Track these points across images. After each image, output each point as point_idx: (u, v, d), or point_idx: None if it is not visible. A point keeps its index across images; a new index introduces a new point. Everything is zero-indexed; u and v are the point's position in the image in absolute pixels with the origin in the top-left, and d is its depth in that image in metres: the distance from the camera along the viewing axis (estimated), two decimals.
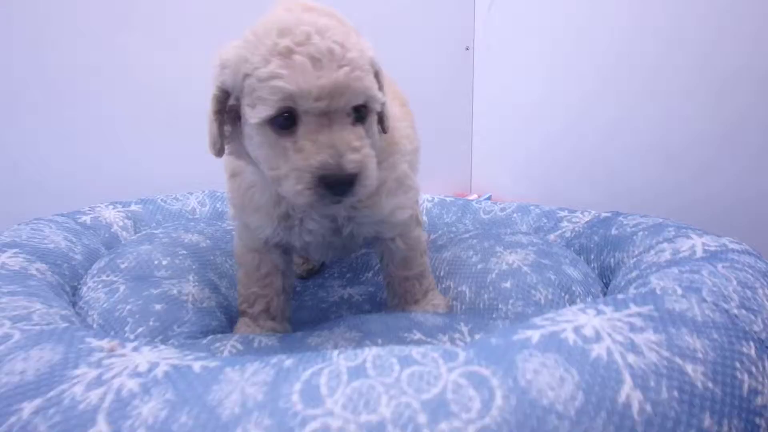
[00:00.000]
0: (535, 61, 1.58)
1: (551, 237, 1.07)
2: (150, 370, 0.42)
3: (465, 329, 0.70)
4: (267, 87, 0.54)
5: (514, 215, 1.19)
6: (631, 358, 0.44)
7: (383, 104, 0.62)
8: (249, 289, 0.75)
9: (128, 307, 0.66)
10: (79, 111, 1.20)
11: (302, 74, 0.53)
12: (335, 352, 0.45)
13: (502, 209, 1.23)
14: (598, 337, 0.46)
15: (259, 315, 0.76)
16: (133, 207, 1.05)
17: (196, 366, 0.42)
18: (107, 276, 0.73)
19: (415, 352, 0.44)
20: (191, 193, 1.19)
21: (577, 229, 1.04)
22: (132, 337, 0.63)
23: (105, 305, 0.67)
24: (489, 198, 1.73)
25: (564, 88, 1.50)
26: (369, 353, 0.44)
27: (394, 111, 0.73)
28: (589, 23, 1.40)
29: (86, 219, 0.93)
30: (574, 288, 0.81)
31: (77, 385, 0.41)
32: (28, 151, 1.16)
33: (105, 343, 0.46)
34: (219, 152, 0.61)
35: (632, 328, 0.48)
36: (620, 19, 1.31)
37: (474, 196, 1.75)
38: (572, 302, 0.80)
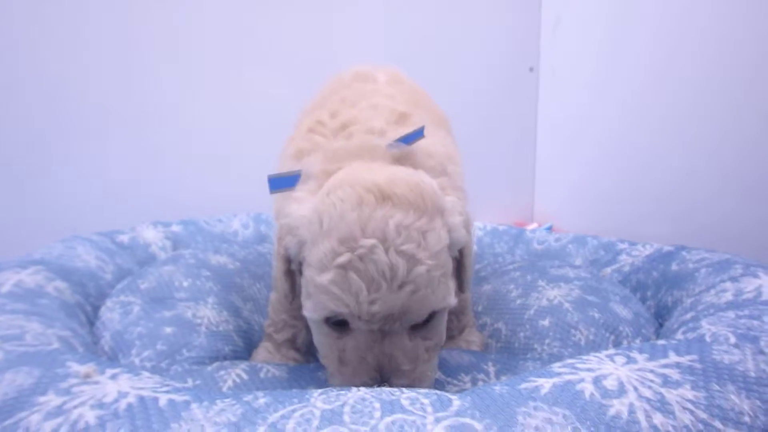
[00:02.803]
0: (603, 84, 1.49)
1: (607, 271, 0.98)
2: (115, 401, 0.40)
3: (492, 370, 0.64)
4: (319, 295, 0.50)
5: (569, 246, 1.11)
6: (658, 419, 0.37)
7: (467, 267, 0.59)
8: (279, 315, 0.73)
9: (138, 329, 0.66)
10: (130, 134, 1.26)
11: (355, 297, 0.47)
12: (316, 393, 0.41)
13: (557, 240, 1.15)
14: (621, 391, 0.39)
15: (283, 343, 0.74)
16: (174, 227, 1.07)
17: (163, 399, 0.40)
18: (126, 296, 0.73)
19: (405, 397, 0.40)
20: (235, 215, 1.20)
21: (636, 263, 0.95)
22: (137, 361, 0.62)
23: (117, 327, 0.68)
24: (550, 228, 1.64)
25: (636, 113, 1.40)
26: (352, 395, 0.40)
27: (451, 153, 0.70)
28: (666, 43, 1.29)
29: (124, 238, 0.96)
30: (621, 328, 0.72)
31: (36, 413, 0.39)
32: (78, 171, 1.22)
33: (83, 368, 0.45)
34: (292, 302, 0.62)
35: (666, 381, 0.40)
36: (706, 37, 1.19)
37: (534, 225, 1.66)
38: (618, 344, 0.71)
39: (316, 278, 0.49)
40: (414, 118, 0.69)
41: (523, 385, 0.41)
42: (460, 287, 0.60)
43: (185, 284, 0.77)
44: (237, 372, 0.60)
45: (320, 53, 1.36)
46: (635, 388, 0.39)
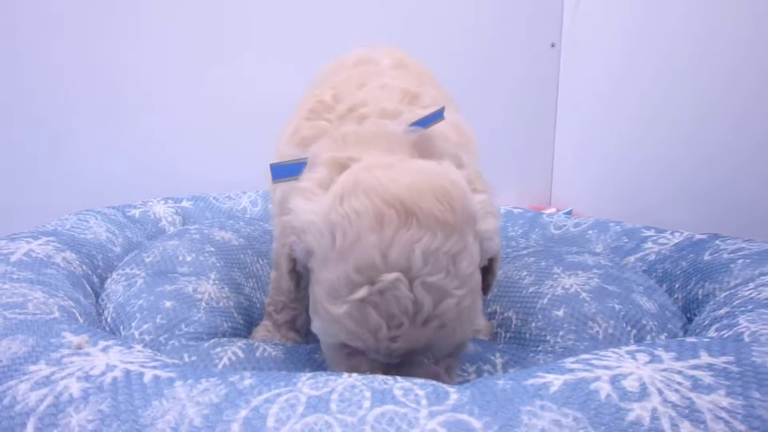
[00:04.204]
0: (630, 62, 1.40)
1: (630, 259, 0.92)
2: (102, 374, 0.38)
3: (499, 362, 0.60)
4: (332, 324, 0.44)
5: (590, 232, 1.04)
6: (686, 428, 0.32)
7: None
8: (278, 296, 0.70)
9: (139, 302, 0.64)
10: (143, 115, 1.23)
11: (373, 335, 0.42)
12: (304, 377, 0.38)
13: (576, 225, 1.08)
14: (643, 394, 0.35)
15: (283, 324, 0.71)
16: (185, 203, 1.06)
17: (149, 375, 0.37)
18: (131, 269, 0.72)
19: (398, 387, 0.36)
20: (244, 192, 1.18)
21: (663, 252, 0.89)
22: (137, 334, 0.60)
23: (120, 299, 0.66)
24: (569, 213, 1.57)
25: (664, 93, 1.31)
26: (342, 382, 0.36)
27: (467, 133, 0.64)
28: (699, 21, 1.20)
29: (135, 212, 0.94)
30: (645, 322, 0.67)
31: (24, 383, 0.38)
32: (92, 151, 1.21)
33: (76, 338, 0.43)
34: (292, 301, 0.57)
35: (696, 385, 0.36)
36: (744, 13, 1.10)
37: (552, 210, 1.60)
38: (641, 339, 0.66)
39: (327, 306, 0.43)
40: (425, 98, 0.64)
41: (530, 381, 0.37)
42: (484, 290, 0.53)
43: (188, 259, 0.75)
44: (233, 350, 0.58)
45: (330, 26, 1.30)
46: (660, 391, 0.35)
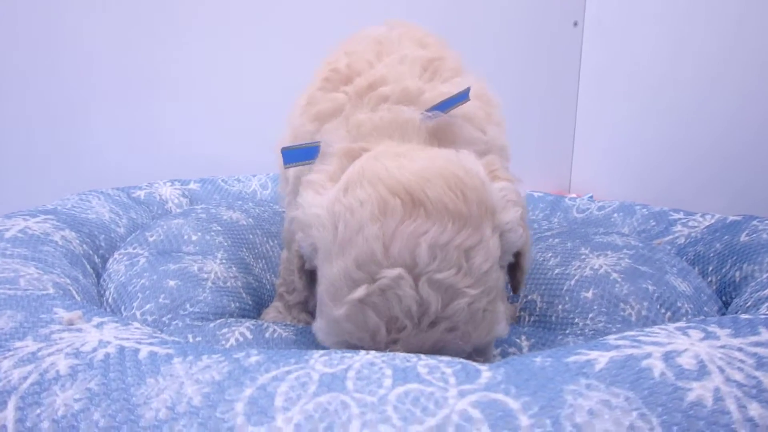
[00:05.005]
0: (652, 40, 1.34)
1: (659, 242, 0.87)
2: (93, 351, 0.34)
3: (525, 344, 0.55)
4: (332, 324, 0.40)
5: (615, 216, 1.00)
6: (755, 409, 0.28)
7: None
8: (290, 276, 0.67)
9: (142, 281, 0.61)
10: (151, 99, 1.21)
11: (372, 336, 0.38)
12: (317, 354, 0.34)
13: (601, 208, 1.04)
14: (702, 372, 0.30)
15: (295, 305, 0.68)
16: (192, 185, 1.03)
17: (144, 351, 0.34)
18: (133, 248, 0.68)
19: (423, 364, 0.32)
20: (254, 175, 1.14)
21: (693, 234, 0.84)
22: (138, 314, 0.57)
23: (122, 278, 0.63)
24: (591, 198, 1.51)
25: (688, 71, 1.25)
26: (359, 359, 0.33)
27: (490, 111, 0.58)
28: None
29: (140, 194, 0.91)
30: (680, 304, 0.63)
31: (8, 359, 0.34)
32: (99, 134, 1.18)
33: (68, 314, 0.40)
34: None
35: (761, 363, 0.31)
36: None
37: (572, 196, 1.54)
38: (676, 323, 0.62)
39: (328, 308, 0.39)
40: (448, 61, 0.60)
41: (572, 358, 0.33)
42: (514, 288, 0.49)
43: (194, 238, 0.71)
44: (241, 330, 0.54)
45: (343, 5, 1.26)
46: (721, 370, 0.30)
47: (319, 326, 0.42)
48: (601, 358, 0.32)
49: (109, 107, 1.17)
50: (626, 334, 0.37)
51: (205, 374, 0.31)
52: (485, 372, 0.31)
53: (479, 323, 0.38)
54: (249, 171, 1.16)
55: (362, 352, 0.34)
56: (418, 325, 0.37)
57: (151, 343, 0.35)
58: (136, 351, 0.34)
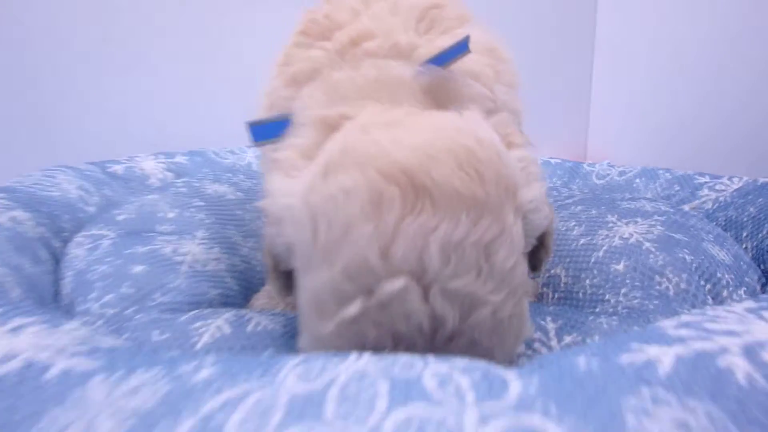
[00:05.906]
0: (670, 2, 1.24)
1: (685, 208, 0.79)
2: None
3: (551, 327, 0.48)
4: (318, 343, 0.32)
5: (637, 181, 0.92)
6: None
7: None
8: None
9: (102, 268, 0.53)
10: (144, 71, 1.11)
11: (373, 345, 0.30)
12: (292, 362, 0.26)
13: (622, 173, 0.96)
14: None
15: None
16: (179, 158, 0.93)
17: (55, 369, 0.26)
18: (98, 229, 0.60)
19: (430, 374, 0.24)
20: (249, 147, 1.05)
21: (722, 198, 0.77)
22: (96, 307, 0.49)
23: (80, 265, 0.55)
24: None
25: (705, 34, 1.15)
26: (345, 368, 0.25)
27: (500, 67, 0.49)
28: None
29: (118, 168, 0.82)
30: (720, 275, 0.55)
31: None
32: (74, 106, 1.08)
33: None
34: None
35: None
36: None
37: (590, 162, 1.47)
38: (717, 296, 0.54)
39: (312, 322, 0.32)
40: (448, 9, 0.50)
41: (625, 358, 0.25)
42: (534, 267, 0.42)
43: (171, 215, 0.63)
44: (218, 324, 0.47)
45: None
46: None
47: (303, 343, 0.34)
48: (665, 357, 0.24)
49: (86, 71, 1.07)
50: (684, 319, 0.29)
51: (131, 400, 0.24)
52: (514, 382, 0.23)
53: (505, 333, 0.31)
54: (243, 143, 1.07)
55: (352, 356, 0.26)
56: (431, 341, 0.29)
57: (73, 355, 0.28)
58: (45, 368, 0.26)
